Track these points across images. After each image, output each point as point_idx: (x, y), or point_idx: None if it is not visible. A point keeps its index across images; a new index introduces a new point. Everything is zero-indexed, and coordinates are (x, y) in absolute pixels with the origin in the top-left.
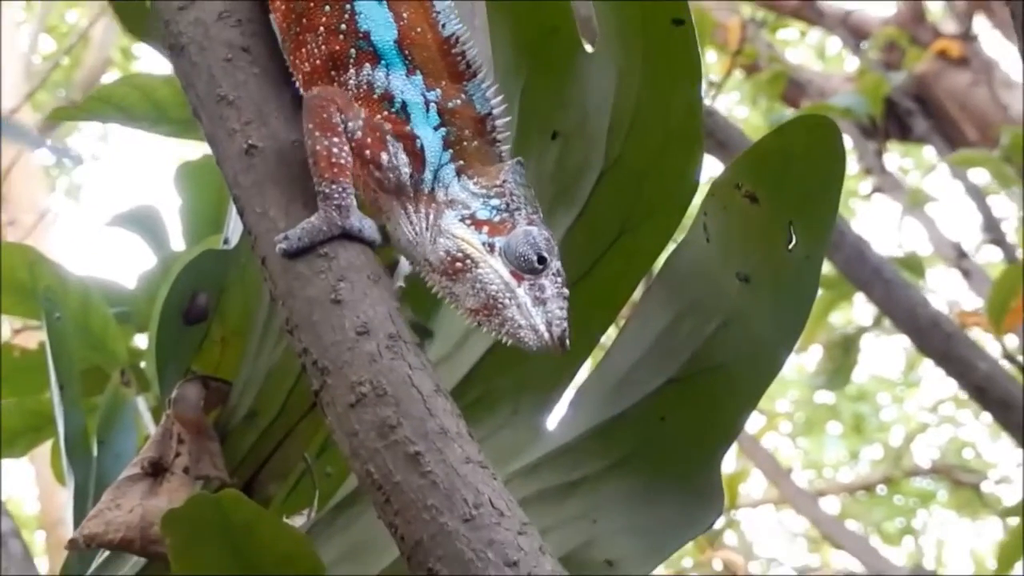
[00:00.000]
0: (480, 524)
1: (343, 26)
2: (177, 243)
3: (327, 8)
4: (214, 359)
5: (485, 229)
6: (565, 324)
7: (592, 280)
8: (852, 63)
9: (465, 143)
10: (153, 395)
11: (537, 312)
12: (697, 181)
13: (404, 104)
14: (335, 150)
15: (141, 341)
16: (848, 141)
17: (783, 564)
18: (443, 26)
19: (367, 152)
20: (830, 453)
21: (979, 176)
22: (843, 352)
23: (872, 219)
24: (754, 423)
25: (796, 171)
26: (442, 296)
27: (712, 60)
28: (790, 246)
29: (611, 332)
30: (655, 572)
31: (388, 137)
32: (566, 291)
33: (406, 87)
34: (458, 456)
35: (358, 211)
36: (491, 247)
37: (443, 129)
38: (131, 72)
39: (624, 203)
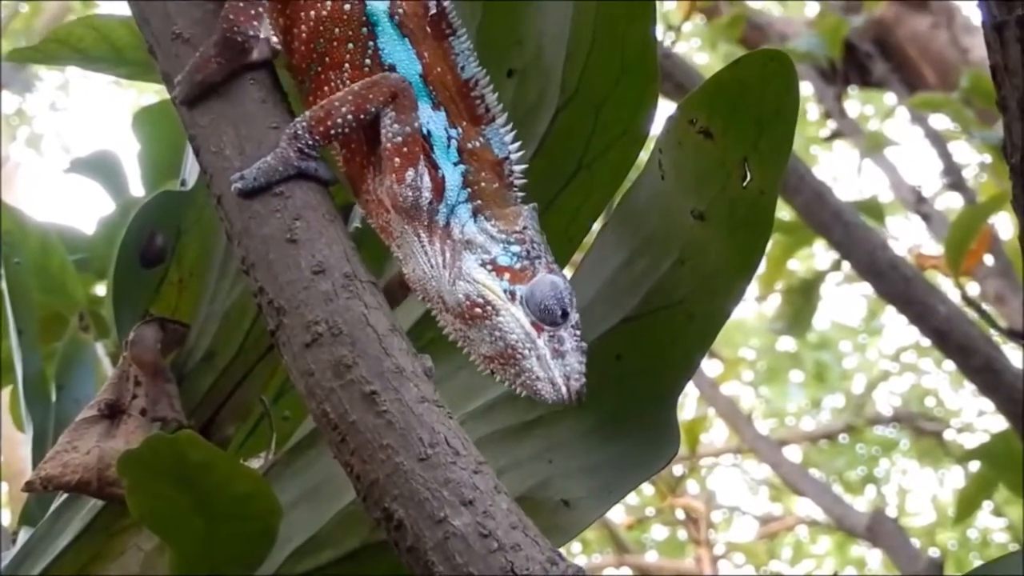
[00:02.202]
0: (436, 463)
1: (367, 61)
2: (136, 189)
3: (350, 45)
4: (171, 301)
5: (506, 276)
6: (583, 379)
7: (550, 216)
8: (813, 8)
9: (483, 184)
10: (112, 341)
11: (556, 365)
12: (654, 116)
13: (429, 134)
14: (339, 120)
15: (101, 290)
16: (808, 87)
17: (745, 513)
18: (462, 68)
19: (396, 159)
20: (792, 402)
21: (939, 122)
22: (803, 297)
23: (832, 167)
24: (715, 369)
25: (750, 105)
26: (454, 338)
27: (672, 6)
28: (745, 182)
29: (567, 272)
30: (619, 519)
31: (421, 158)
32: (584, 345)
33: (431, 119)
34: (414, 396)
35: (315, 157)
36: (512, 295)
37: (462, 167)
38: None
39: (580, 139)
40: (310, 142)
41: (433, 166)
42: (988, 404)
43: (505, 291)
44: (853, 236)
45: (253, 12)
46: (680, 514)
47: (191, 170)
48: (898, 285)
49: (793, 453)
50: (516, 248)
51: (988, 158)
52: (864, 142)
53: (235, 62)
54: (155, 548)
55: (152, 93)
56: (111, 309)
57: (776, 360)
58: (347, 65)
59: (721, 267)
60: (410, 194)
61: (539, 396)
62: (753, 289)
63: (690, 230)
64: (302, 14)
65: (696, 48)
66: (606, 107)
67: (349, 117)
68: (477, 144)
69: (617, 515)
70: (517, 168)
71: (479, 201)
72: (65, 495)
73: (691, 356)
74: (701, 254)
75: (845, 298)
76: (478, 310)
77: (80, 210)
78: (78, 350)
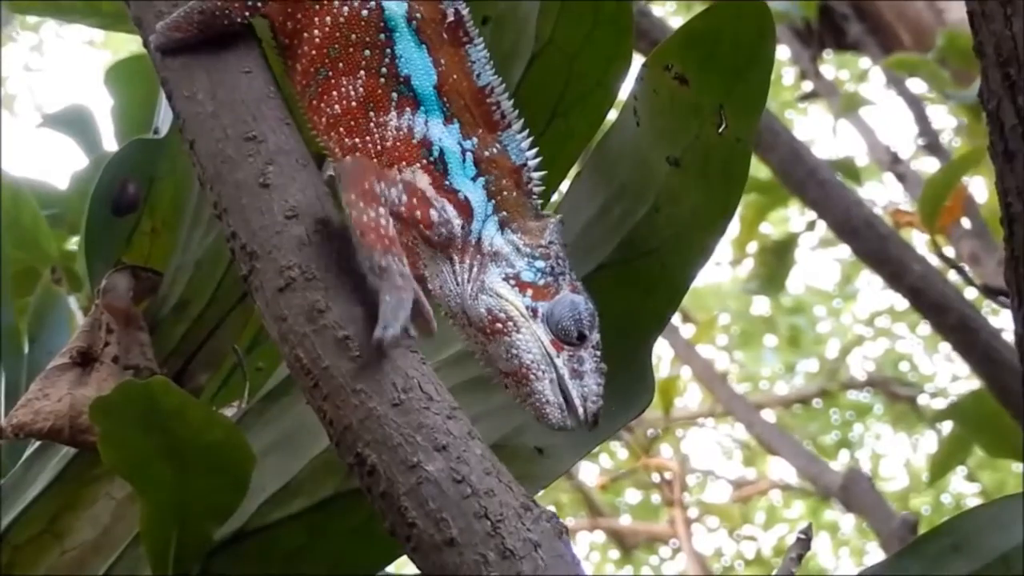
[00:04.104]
0: (409, 408)
1: (384, 69)
2: (110, 144)
3: (367, 52)
4: (144, 250)
5: (529, 292)
6: (601, 402)
7: None
8: None
9: (506, 193)
10: (85, 295)
11: (574, 385)
12: (628, 69)
13: (442, 152)
14: (383, 221)
15: (74, 245)
16: (784, 52)
17: (719, 477)
18: (478, 76)
19: (416, 214)
20: (766, 366)
21: (915, 86)
22: (777, 258)
23: (808, 131)
24: (689, 332)
25: (725, 51)
26: (473, 351)
27: None
28: (720, 129)
29: None
30: (590, 479)
31: (431, 194)
32: (604, 366)
33: (444, 135)
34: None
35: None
36: (534, 312)
37: (482, 179)
38: None
39: (555, 87)
40: (391, 263)
41: (451, 191)
42: (962, 369)
43: (527, 307)
44: (828, 194)
45: (250, 4)
46: (654, 478)
47: (164, 118)
48: (873, 243)
49: (767, 417)
50: (540, 264)
51: (964, 122)
52: (839, 102)
53: (214, 32)
54: (127, 496)
55: (126, 54)
56: (83, 258)
57: (750, 324)
58: (362, 72)
59: (696, 214)
60: (443, 231)
61: (545, 420)
62: (727, 253)
63: (665, 177)
64: (315, 19)
65: (672, 12)
66: (580, 58)
67: (376, 215)
68: (494, 151)
69: (591, 476)
70: (535, 175)
71: (505, 212)
72: (37, 443)
73: (665, 303)
74: (676, 202)
75: (820, 263)
76: (499, 325)
77: (53, 167)
78: (50, 303)
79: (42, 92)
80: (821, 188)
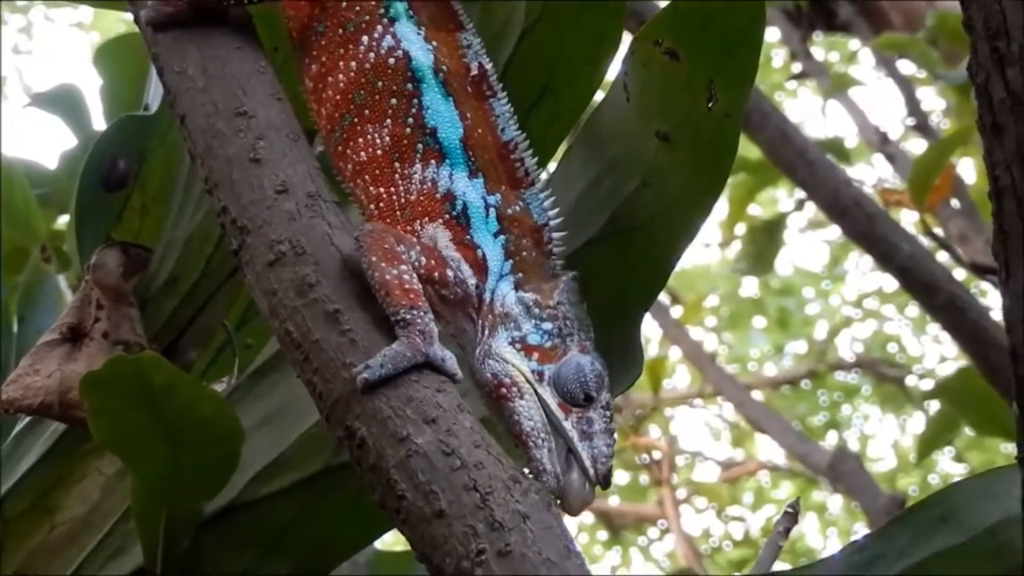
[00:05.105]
0: (399, 382)
1: (410, 119)
2: (99, 124)
3: (394, 101)
4: (134, 227)
5: (535, 356)
6: (611, 464)
7: None
8: None
9: (524, 253)
10: (74, 273)
11: (583, 447)
12: (618, 47)
13: (465, 207)
14: (406, 277)
15: (63, 225)
16: (773, 34)
17: (707, 458)
18: (503, 130)
19: (434, 275)
20: (754, 348)
21: (905, 67)
22: (766, 238)
23: (797, 113)
24: (678, 312)
25: (716, 27)
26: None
27: None
28: (710, 104)
29: None
30: None
31: (448, 254)
32: (614, 426)
33: (468, 189)
34: (377, 314)
35: (438, 341)
36: (540, 375)
37: (503, 237)
38: None
39: (545, 64)
40: (416, 317)
41: (470, 246)
42: (950, 350)
43: (533, 371)
44: (817, 174)
45: None
46: (643, 458)
47: (154, 94)
48: (862, 223)
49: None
50: (548, 325)
51: (953, 104)
52: (829, 82)
53: (205, 8)
54: (117, 472)
55: (116, 36)
56: (73, 234)
57: (739, 306)
58: (389, 121)
59: (685, 189)
60: (459, 290)
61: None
62: (716, 235)
63: (655, 152)
64: (341, 63)
65: None
66: (571, 35)
67: (399, 272)
68: (517, 209)
69: None
70: (556, 235)
71: (521, 274)
72: (27, 419)
73: (655, 277)
74: (665, 177)
75: (808, 245)
76: (503, 390)
77: (42, 147)
78: (40, 281)
79: (31, 74)
80: (810, 168)
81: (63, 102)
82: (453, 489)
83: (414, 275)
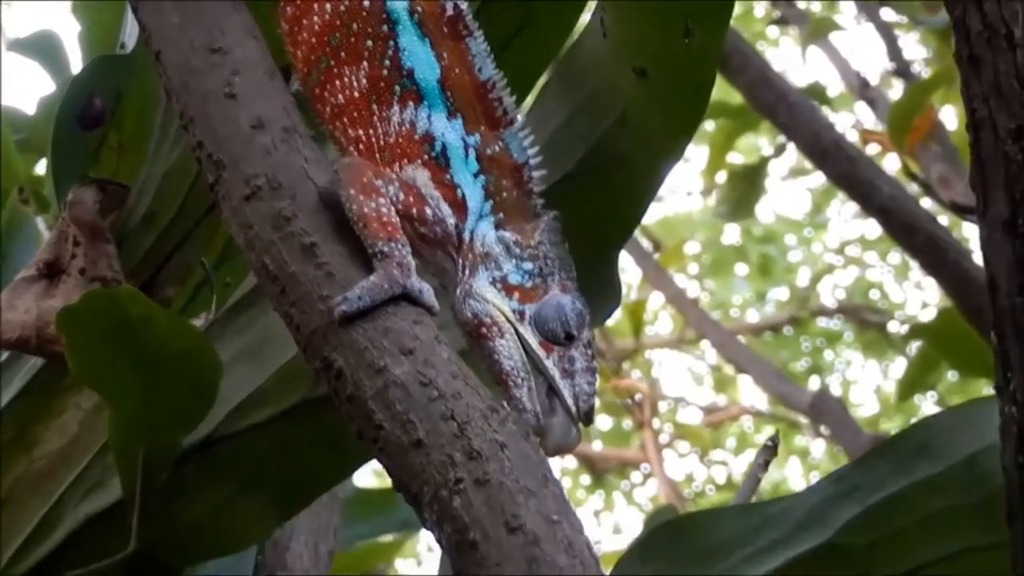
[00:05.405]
0: (376, 314)
1: (387, 62)
2: (78, 70)
3: (370, 43)
4: (111, 166)
5: (516, 295)
6: (593, 401)
7: None
8: None
9: (504, 194)
10: (53, 215)
11: (565, 385)
12: None
13: (444, 148)
14: (384, 210)
15: (42, 170)
16: None
17: (690, 404)
18: (480, 70)
19: (412, 211)
20: (737, 294)
21: (887, 15)
22: (747, 182)
23: (778, 61)
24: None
25: None
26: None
27: None
28: (687, 39)
29: None
30: None
31: (426, 192)
32: (595, 364)
33: (447, 130)
34: (353, 246)
35: (416, 273)
36: (521, 315)
37: (482, 177)
38: None
39: None
40: (393, 250)
41: (450, 186)
42: (931, 296)
43: (514, 311)
44: (797, 117)
45: None
46: (626, 402)
47: (130, 34)
48: (842, 165)
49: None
50: (528, 265)
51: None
52: (809, 27)
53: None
54: (95, 406)
55: None
56: (51, 174)
57: (721, 253)
58: (365, 63)
59: (662, 125)
60: (437, 229)
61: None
62: (698, 183)
63: (632, 88)
64: (315, 5)
65: None
66: None
67: (376, 205)
68: (496, 149)
69: None
70: (536, 174)
71: (501, 214)
72: (5, 355)
73: (632, 212)
74: (642, 112)
75: (790, 192)
76: (483, 329)
77: (22, 94)
78: (18, 222)
79: (9, 21)
80: (791, 111)
81: (42, 48)
82: (431, 419)
83: (392, 209)
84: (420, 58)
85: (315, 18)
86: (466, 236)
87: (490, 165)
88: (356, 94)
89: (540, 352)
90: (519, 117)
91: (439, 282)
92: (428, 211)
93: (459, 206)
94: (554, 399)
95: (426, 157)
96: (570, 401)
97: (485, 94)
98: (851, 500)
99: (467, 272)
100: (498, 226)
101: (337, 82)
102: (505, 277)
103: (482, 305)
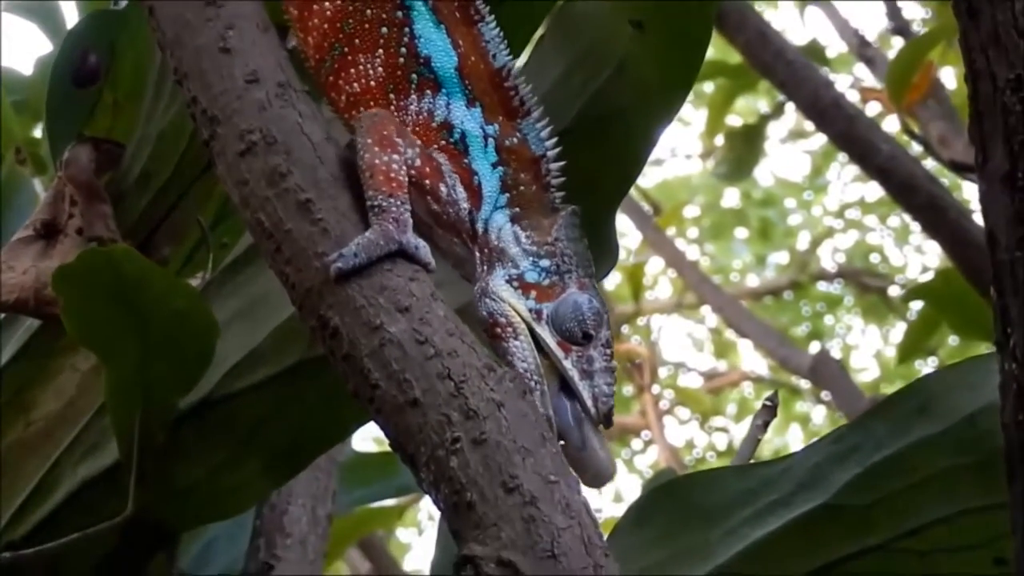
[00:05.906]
0: (371, 270)
1: (403, 49)
2: None
3: (384, 30)
4: (106, 124)
5: (533, 294)
6: (612, 402)
7: None
8: None
9: (522, 187)
10: (49, 177)
11: (584, 386)
12: None
13: (463, 135)
14: (394, 166)
15: (39, 132)
16: None
17: (690, 369)
18: (494, 56)
19: (426, 182)
20: (736, 258)
21: None
22: (745, 143)
23: (779, 23)
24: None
25: None
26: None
27: None
28: None
29: None
30: None
31: (445, 169)
32: (614, 364)
33: (466, 118)
34: (348, 203)
35: (412, 229)
36: (538, 314)
37: (500, 168)
38: None
39: None
40: (392, 205)
41: (466, 171)
42: (932, 260)
43: (531, 310)
44: (796, 75)
45: None
46: (625, 367)
47: None
48: (841, 124)
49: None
50: (545, 263)
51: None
52: None
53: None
54: (92, 368)
55: None
56: (46, 132)
57: (720, 217)
58: (380, 51)
59: (658, 78)
60: (451, 210)
61: None
62: (697, 146)
63: (628, 41)
64: None
65: None
66: None
67: (388, 159)
68: (515, 140)
69: None
70: (553, 166)
71: (517, 208)
72: (1, 316)
73: (629, 167)
74: (639, 64)
75: (789, 155)
76: (498, 329)
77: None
78: (15, 183)
79: None
80: (789, 68)
81: (38, 8)
82: (427, 377)
83: (404, 168)
84: (437, 46)
85: (326, 3)
86: (480, 226)
87: (508, 157)
88: (372, 83)
89: (559, 352)
90: (536, 107)
91: (460, 274)
92: (443, 188)
93: (474, 192)
94: (585, 431)
95: (444, 142)
96: (589, 403)
97: (501, 82)
98: (850, 461)
99: (484, 268)
100: (514, 220)
101: (352, 70)
102: (522, 275)
103: (497, 304)
